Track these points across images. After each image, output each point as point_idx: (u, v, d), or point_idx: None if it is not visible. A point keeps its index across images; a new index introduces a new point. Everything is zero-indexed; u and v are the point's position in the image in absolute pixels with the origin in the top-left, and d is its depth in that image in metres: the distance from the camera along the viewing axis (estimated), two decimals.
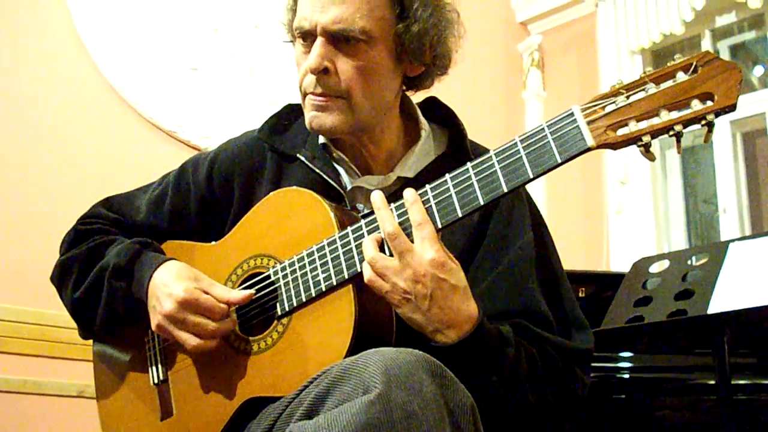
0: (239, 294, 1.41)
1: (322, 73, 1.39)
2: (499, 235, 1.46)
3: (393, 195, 1.40)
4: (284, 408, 1.23)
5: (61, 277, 1.61)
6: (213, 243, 1.56)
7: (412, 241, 1.23)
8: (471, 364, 1.25)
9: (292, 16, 1.49)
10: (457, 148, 1.54)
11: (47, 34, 3.10)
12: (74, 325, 1.64)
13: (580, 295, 2.49)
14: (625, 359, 2.32)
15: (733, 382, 1.96)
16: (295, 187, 1.43)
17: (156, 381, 1.54)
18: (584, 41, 4.59)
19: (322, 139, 1.55)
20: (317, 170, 1.51)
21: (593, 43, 4.49)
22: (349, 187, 1.51)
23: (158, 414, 1.53)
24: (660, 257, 2.21)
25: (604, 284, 2.49)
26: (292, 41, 1.52)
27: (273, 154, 1.58)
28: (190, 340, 1.39)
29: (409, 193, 1.26)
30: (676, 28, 4.07)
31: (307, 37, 1.42)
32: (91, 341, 1.68)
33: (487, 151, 1.49)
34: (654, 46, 4.31)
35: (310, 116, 1.43)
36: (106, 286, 1.51)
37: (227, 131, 3.41)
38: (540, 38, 4.68)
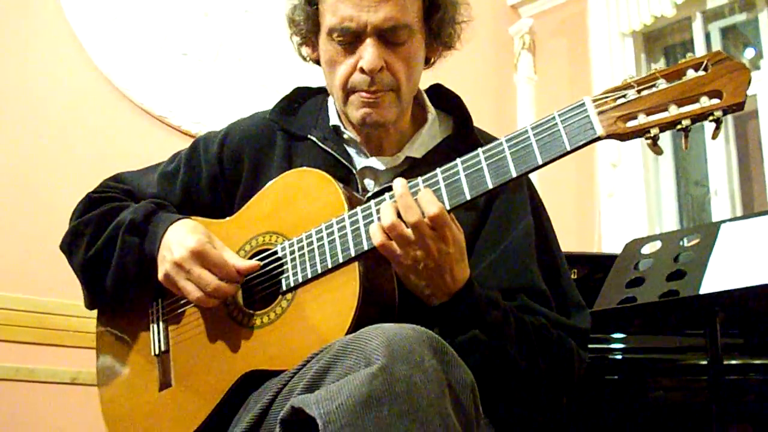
0: (246, 262, 1.43)
1: (378, 71, 1.44)
2: (501, 218, 1.51)
3: (402, 174, 1.48)
4: (285, 383, 1.24)
5: (72, 241, 1.62)
6: (224, 219, 1.57)
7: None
8: (458, 321, 1.29)
9: (311, 14, 1.51)
10: (463, 132, 1.59)
11: (37, 20, 3.08)
12: (68, 312, 1.64)
13: (572, 277, 2.49)
14: (617, 340, 2.32)
15: (724, 362, 1.97)
16: (308, 168, 1.46)
17: (157, 351, 1.55)
18: (575, 24, 4.58)
19: (333, 121, 1.60)
20: (329, 150, 1.55)
21: (584, 26, 4.48)
22: (359, 167, 1.54)
23: (157, 384, 1.54)
24: (652, 238, 2.21)
25: (596, 266, 2.49)
26: (304, 40, 1.57)
27: (283, 135, 1.62)
28: (194, 291, 1.42)
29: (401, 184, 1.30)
30: (667, 11, 4.07)
31: (351, 36, 1.44)
32: (81, 328, 1.68)
33: (493, 137, 1.55)
34: (645, 29, 4.30)
35: (362, 113, 1.47)
36: (119, 241, 1.53)
37: (218, 116, 3.40)
38: (531, 21, 4.67)
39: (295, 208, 1.43)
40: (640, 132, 1.17)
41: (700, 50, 4.18)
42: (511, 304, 1.40)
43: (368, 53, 1.42)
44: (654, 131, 1.16)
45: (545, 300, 1.46)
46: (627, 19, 4.24)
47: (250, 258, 1.46)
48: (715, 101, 1.14)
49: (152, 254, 1.49)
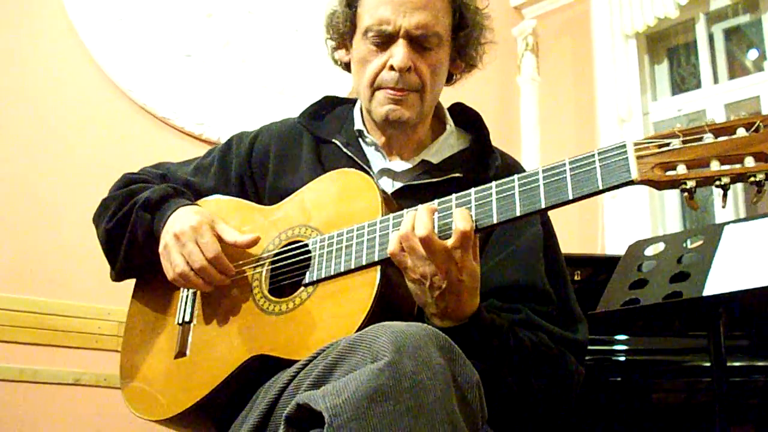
0: (244, 237, 1.53)
1: (406, 71, 1.55)
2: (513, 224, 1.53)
3: (418, 176, 1.61)
4: (290, 378, 1.26)
5: (100, 213, 1.74)
6: (269, 206, 1.64)
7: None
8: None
9: (349, 16, 1.63)
10: (480, 146, 1.68)
11: (39, 21, 3.08)
12: (71, 313, 1.66)
13: (575, 278, 2.50)
14: (620, 342, 2.32)
15: (728, 364, 1.97)
16: (356, 170, 1.54)
17: (181, 321, 1.61)
18: (578, 25, 4.58)
19: (357, 126, 1.71)
20: (350, 154, 1.66)
21: (587, 27, 4.48)
22: (377, 170, 1.65)
23: (174, 352, 1.60)
24: (655, 240, 2.21)
25: (600, 267, 2.50)
26: (338, 44, 1.69)
27: (310, 137, 1.74)
28: (181, 265, 1.51)
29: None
30: (670, 12, 4.07)
31: (385, 37, 1.57)
32: (85, 329, 1.69)
33: (509, 156, 1.70)
34: (648, 30, 4.31)
35: (387, 109, 1.59)
36: (133, 216, 1.63)
37: (221, 118, 3.41)
38: (534, 22, 4.67)
39: (335, 207, 1.50)
40: (677, 183, 1.14)
41: (703, 52, 4.18)
42: (515, 317, 1.44)
43: (399, 53, 1.55)
44: (690, 184, 1.13)
45: (549, 300, 1.51)
46: (630, 20, 4.24)
47: (284, 246, 1.53)
48: (761, 164, 1.10)
49: (159, 232, 1.58)
